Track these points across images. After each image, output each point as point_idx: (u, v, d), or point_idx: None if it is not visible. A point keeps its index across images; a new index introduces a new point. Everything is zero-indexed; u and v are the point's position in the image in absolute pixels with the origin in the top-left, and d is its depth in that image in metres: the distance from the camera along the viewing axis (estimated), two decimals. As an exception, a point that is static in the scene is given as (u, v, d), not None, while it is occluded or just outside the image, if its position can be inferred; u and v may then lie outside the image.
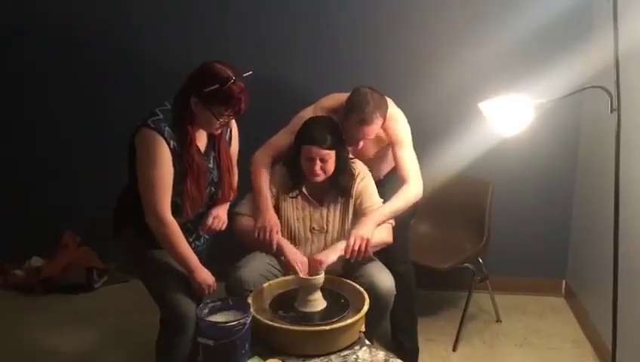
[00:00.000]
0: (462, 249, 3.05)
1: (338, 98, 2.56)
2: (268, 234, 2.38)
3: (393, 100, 2.59)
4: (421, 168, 2.59)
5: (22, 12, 3.40)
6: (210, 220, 2.31)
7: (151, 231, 2.12)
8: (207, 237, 2.37)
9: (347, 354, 2.15)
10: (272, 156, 2.56)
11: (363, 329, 2.24)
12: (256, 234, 2.40)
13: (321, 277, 2.26)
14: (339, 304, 2.30)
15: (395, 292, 2.41)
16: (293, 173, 2.49)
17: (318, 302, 2.28)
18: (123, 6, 3.34)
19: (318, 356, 2.12)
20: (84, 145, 3.52)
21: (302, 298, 2.28)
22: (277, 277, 2.45)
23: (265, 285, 2.37)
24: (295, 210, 2.51)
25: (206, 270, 2.21)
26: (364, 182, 2.52)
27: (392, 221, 2.51)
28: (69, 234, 3.57)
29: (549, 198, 3.41)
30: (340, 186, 2.48)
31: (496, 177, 3.13)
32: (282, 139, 2.56)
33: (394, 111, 2.57)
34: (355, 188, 2.50)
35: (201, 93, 2.03)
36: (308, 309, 2.26)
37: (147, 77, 3.28)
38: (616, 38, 2.04)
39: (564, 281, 3.52)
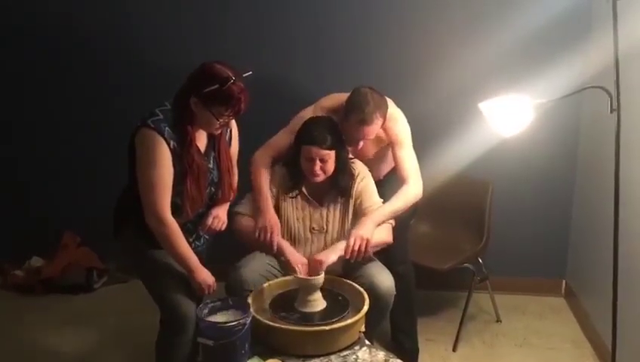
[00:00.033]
0: (462, 249, 3.05)
1: (338, 98, 2.56)
2: (269, 235, 2.39)
3: (393, 100, 2.59)
4: (421, 168, 2.59)
5: (22, 12, 3.40)
6: (210, 220, 2.31)
7: (151, 232, 2.12)
8: (207, 237, 2.37)
9: (347, 355, 2.15)
10: (272, 156, 2.56)
11: (363, 329, 2.24)
12: (256, 234, 2.40)
13: (320, 278, 2.26)
14: (339, 304, 2.30)
15: (395, 293, 2.41)
16: (293, 173, 2.49)
17: (318, 302, 2.28)
18: (123, 6, 3.34)
19: (318, 356, 2.12)
20: (84, 145, 3.52)
21: (302, 298, 2.28)
22: (277, 277, 2.45)
23: (265, 285, 2.37)
24: (295, 210, 2.51)
25: (206, 270, 2.21)
26: (364, 182, 2.52)
27: (392, 221, 2.51)
28: (69, 235, 3.57)
29: (549, 198, 3.41)
30: (339, 186, 2.48)
31: (496, 177, 3.13)
32: (282, 139, 2.56)
33: (394, 111, 2.57)
34: (355, 189, 2.50)
35: (201, 93, 2.03)
36: (308, 309, 2.26)
37: (147, 77, 3.28)
38: (616, 38, 2.04)
39: (563, 281, 3.52)
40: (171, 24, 3.33)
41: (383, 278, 2.40)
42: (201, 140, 2.20)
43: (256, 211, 2.46)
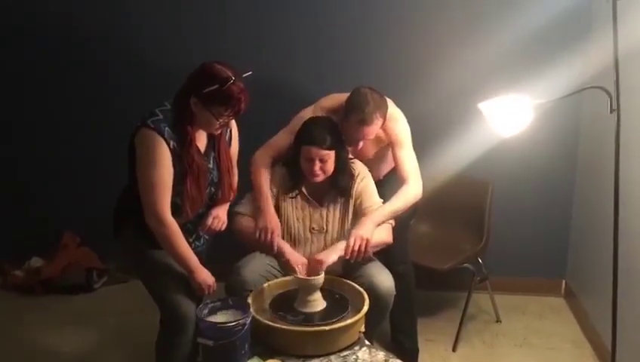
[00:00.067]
0: (461, 249, 3.05)
1: (338, 98, 2.56)
2: (269, 235, 2.39)
3: (393, 100, 2.59)
4: (421, 168, 2.59)
5: (22, 12, 3.40)
6: (209, 220, 2.31)
7: (151, 232, 2.12)
8: (206, 237, 2.37)
9: (347, 355, 2.15)
10: (272, 156, 2.56)
11: (363, 329, 2.24)
12: (257, 235, 2.40)
13: (320, 278, 2.26)
14: (338, 304, 2.30)
15: (395, 293, 2.41)
16: (292, 173, 2.49)
17: (318, 303, 2.28)
18: (123, 6, 3.34)
19: (318, 356, 2.12)
20: (84, 145, 3.52)
21: (301, 298, 2.28)
22: (277, 277, 2.45)
23: (265, 285, 2.37)
24: (295, 210, 2.51)
25: (206, 270, 2.21)
26: (364, 182, 2.52)
27: (392, 221, 2.51)
28: (68, 235, 3.57)
29: (549, 199, 3.41)
30: (339, 186, 2.48)
31: (496, 177, 3.13)
32: (282, 139, 2.56)
33: (394, 111, 2.57)
34: (354, 189, 2.50)
35: (201, 93, 2.03)
36: (308, 309, 2.26)
37: (147, 77, 3.28)
38: (616, 38, 2.04)
39: (563, 281, 3.52)
40: (171, 24, 3.33)
41: (383, 278, 2.40)
42: (201, 140, 2.20)
43: (257, 211, 2.46)
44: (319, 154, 2.36)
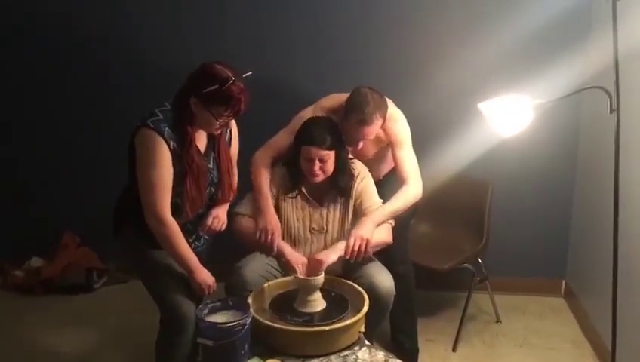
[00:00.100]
0: (461, 249, 3.05)
1: (338, 98, 2.55)
2: (269, 236, 2.38)
3: (393, 100, 2.59)
4: (421, 168, 2.59)
5: (22, 12, 3.40)
6: (209, 221, 2.31)
7: (151, 232, 2.12)
8: (206, 237, 2.37)
9: (347, 355, 2.15)
10: (272, 156, 2.56)
11: (363, 329, 2.25)
12: (257, 236, 2.40)
13: (320, 278, 2.27)
14: (338, 304, 2.30)
15: (395, 293, 2.41)
16: (292, 173, 2.49)
17: (318, 303, 2.28)
18: (123, 6, 3.34)
19: (318, 356, 2.12)
20: (84, 145, 3.52)
21: (301, 298, 2.28)
22: (277, 277, 2.45)
23: (265, 285, 2.37)
24: (295, 210, 2.51)
25: (206, 270, 2.21)
26: (364, 182, 2.52)
27: (392, 221, 2.51)
28: (68, 235, 3.57)
29: (549, 199, 3.41)
30: (339, 186, 2.48)
31: (496, 177, 3.13)
32: (282, 139, 2.56)
33: (394, 111, 2.57)
34: (354, 189, 2.50)
35: (201, 93, 2.03)
36: (307, 310, 2.26)
37: (147, 77, 3.28)
38: (616, 38, 2.04)
39: (563, 282, 3.52)
40: (171, 24, 3.33)
41: (383, 278, 2.40)
42: (201, 140, 2.20)
43: (257, 212, 2.46)
44: (319, 155, 2.36)
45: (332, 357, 2.13)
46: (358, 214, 2.48)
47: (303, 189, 2.50)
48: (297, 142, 2.44)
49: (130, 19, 3.34)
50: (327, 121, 2.45)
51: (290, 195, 2.51)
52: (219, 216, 2.34)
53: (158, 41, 3.33)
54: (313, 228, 2.50)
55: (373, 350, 2.19)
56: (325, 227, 2.51)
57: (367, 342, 2.24)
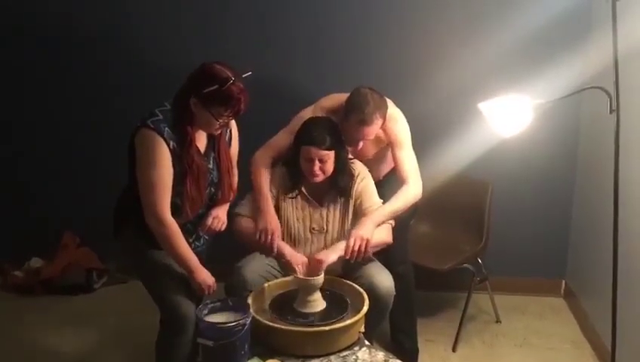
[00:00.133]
0: (461, 249, 3.05)
1: (338, 98, 2.55)
2: (269, 237, 2.38)
3: (393, 100, 2.59)
4: (421, 168, 2.59)
5: (22, 12, 3.40)
6: (209, 221, 2.31)
7: (151, 232, 2.12)
8: (206, 237, 2.37)
9: (347, 355, 2.15)
10: (272, 157, 2.56)
11: (362, 329, 2.25)
12: (257, 236, 2.39)
13: (320, 278, 2.26)
14: (338, 304, 2.30)
15: (395, 293, 2.41)
16: (292, 173, 2.49)
17: (318, 303, 2.28)
18: (123, 6, 3.34)
19: (318, 356, 2.12)
20: (84, 145, 3.52)
21: (301, 298, 2.28)
22: (277, 277, 2.45)
23: (265, 286, 2.37)
24: (295, 210, 2.51)
25: (206, 270, 2.21)
26: (364, 182, 2.52)
27: (392, 221, 2.51)
28: (68, 235, 3.57)
29: (549, 199, 3.41)
30: (339, 187, 2.48)
31: (496, 177, 3.13)
32: (282, 139, 2.56)
33: (393, 111, 2.57)
34: (354, 189, 2.50)
35: (201, 93, 2.03)
36: (307, 310, 2.26)
37: (147, 77, 3.28)
38: (616, 38, 2.04)
39: (563, 282, 3.52)
40: (171, 24, 3.33)
41: (383, 279, 2.40)
42: (201, 141, 2.20)
43: (257, 212, 2.46)
44: (319, 155, 2.36)
45: (332, 357, 2.13)
46: (358, 214, 2.48)
47: (303, 189, 2.50)
48: (297, 142, 2.43)
49: (130, 19, 3.34)
50: (327, 121, 2.45)
51: (290, 195, 2.51)
52: (219, 216, 2.34)
53: (158, 41, 3.33)
54: (313, 228, 2.50)
55: (373, 350, 2.19)
56: (325, 227, 2.51)
57: (367, 342, 2.24)
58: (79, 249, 3.57)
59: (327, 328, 2.14)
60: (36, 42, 3.41)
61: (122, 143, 2.16)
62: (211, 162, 2.24)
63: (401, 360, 2.19)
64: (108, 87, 3.44)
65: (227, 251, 2.32)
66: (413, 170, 2.55)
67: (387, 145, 2.64)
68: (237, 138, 2.38)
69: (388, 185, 2.66)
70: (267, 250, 2.40)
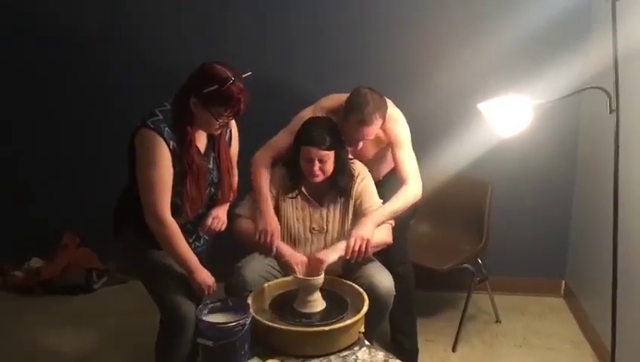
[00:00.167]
0: (461, 249, 3.05)
1: (338, 98, 2.56)
2: (269, 238, 2.38)
3: (393, 100, 2.59)
4: (421, 168, 2.59)
5: (22, 12, 3.40)
6: (209, 221, 2.31)
7: (151, 232, 2.12)
8: (206, 237, 2.37)
9: (346, 355, 2.15)
10: (272, 157, 2.55)
11: (362, 329, 2.25)
12: (257, 237, 2.39)
13: (320, 278, 2.27)
14: (338, 305, 2.30)
15: (395, 293, 2.41)
16: (292, 173, 2.49)
17: (318, 303, 2.28)
18: (123, 6, 3.34)
19: (318, 356, 2.13)
20: (84, 145, 3.52)
21: (301, 298, 2.28)
22: (277, 278, 2.45)
23: (265, 286, 2.37)
24: (295, 210, 2.51)
25: (206, 270, 2.21)
26: (364, 182, 2.52)
27: (392, 221, 2.51)
28: (68, 235, 3.57)
29: (549, 199, 3.41)
30: (339, 187, 2.48)
31: (496, 178, 3.13)
32: (282, 139, 2.56)
33: (393, 111, 2.57)
34: (355, 189, 2.50)
35: (201, 93, 2.03)
36: (307, 310, 2.26)
37: (147, 77, 3.28)
38: (615, 39, 2.04)
39: (563, 282, 3.52)
40: (171, 24, 3.33)
41: (383, 279, 2.40)
42: (201, 141, 2.20)
43: (257, 212, 2.46)
44: (318, 155, 2.36)
45: (332, 358, 2.13)
46: (358, 214, 2.48)
47: (303, 189, 2.50)
48: (297, 142, 2.44)
49: (130, 19, 3.34)
50: (326, 121, 2.45)
51: (290, 195, 2.51)
52: (219, 216, 2.34)
53: (158, 41, 3.33)
54: (313, 228, 2.50)
55: (373, 350, 2.19)
56: (325, 227, 2.51)
57: (366, 343, 2.24)
58: (79, 249, 3.57)
59: (327, 328, 2.14)
60: (36, 42, 3.41)
61: (122, 143, 2.15)
62: (211, 162, 2.24)
63: (401, 360, 2.19)
64: (108, 87, 3.44)
65: (227, 251, 2.32)
66: (413, 170, 2.55)
67: (387, 145, 2.64)
68: (237, 138, 2.38)
69: (388, 185, 2.66)
70: (266, 250, 2.40)
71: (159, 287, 2.23)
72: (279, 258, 2.42)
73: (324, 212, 2.51)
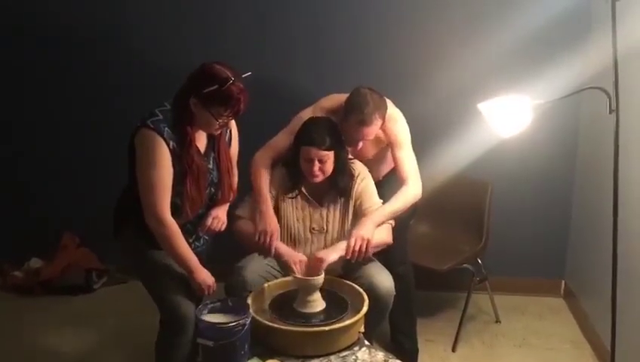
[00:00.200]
0: (461, 250, 3.06)
1: (338, 99, 2.56)
2: (268, 238, 2.38)
3: (393, 101, 2.59)
4: (420, 168, 2.59)
5: (22, 12, 3.40)
6: (209, 221, 2.31)
7: (151, 232, 2.12)
8: (206, 237, 2.37)
9: (346, 355, 2.15)
10: (272, 158, 2.55)
11: (362, 329, 2.25)
12: (256, 237, 2.39)
13: (320, 278, 2.27)
14: (338, 305, 2.30)
15: (395, 293, 2.41)
16: (292, 173, 2.49)
17: (318, 303, 2.28)
18: (123, 6, 3.34)
19: (318, 357, 2.12)
20: (84, 145, 3.52)
21: (301, 298, 2.28)
22: (277, 278, 2.45)
23: (265, 286, 2.37)
24: (295, 210, 2.51)
25: (206, 270, 2.21)
26: (365, 183, 2.52)
27: (392, 221, 2.51)
28: (68, 236, 3.57)
29: (548, 199, 3.41)
30: (338, 187, 2.48)
31: (495, 178, 3.13)
32: (282, 140, 2.56)
33: (393, 112, 2.57)
34: (355, 189, 2.50)
35: (201, 93, 2.04)
36: (307, 310, 2.26)
37: (147, 77, 3.28)
38: (615, 39, 2.04)
39: (563, 282, 3.52)
40: (171, 24, 3.33)
41: (383, 279, 2.40)
42: (201, 141, 2.20)
43: (256, 213, 2.46)
44: (318, 155, 2.36)
45: (332, 358, 2.13)
46: (358, 214, 2.48)
47: (303, 189, 2.50)
48: (297, 142, 2.44)
49: (130, 19, 3.34)
50: (326, 121, 2.45)
51: (290, 195, 2.51)
52: (219, 217, 2.34)
53: (158, 41, 3.34)
54: (313, 228, 2.50)
55: (373, 350, 2.20)
56: (325, 227, 2.51)
57: (366, 343, 2.24)
58: (79, 249, 3.57)
59: (327, 328, 2.14)
60: (36, 42, 3.41)
61: (122, 143, 2.15)
62: (211, 162, 2.24)
63: (400, 360, 2.19)
64: (108, 87, 3.44)
65: (227, 251, 2.32)
66: (413, 170, 2.55)
67: (387, 145, 2.64)
68: (237, 138, 2.38)
69: (388, 185, 2.66)
70: (265, 251, 2.40)
71: (159, 287, 2.23)
72: (278, 258, 2.42)
73: (324, 212, 2.51)
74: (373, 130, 2.45)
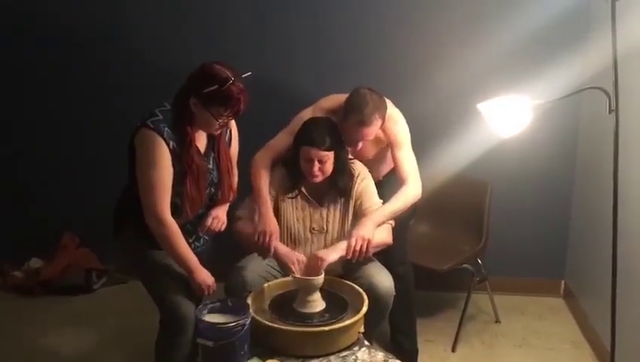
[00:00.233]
0: (461, 250, 3.06)
1: (337, 99, 2.55)
2: (267, 239, 2.38)
3: (393, 101, 2.59)
4: (420, 168, 2.59)
5: (22, 12, 3.40)
6: (209, 221, 2.31)
7: (151, 232, 2.12)
8: (206, 238, 2.37)
9: (346, 355, 2.15)
10: (272, 158, 2.55)
11: (362, 330, 2.25)
12: (256, 238, 2.39)
13: (320, 278, 2.26)
14: (338, 305, 2.30)
15: (394, 293, 2.41)
16: (292, 173, 2.49)
17: (317, 303, 2.28)
18: (123, 6, 3.34)
19: (317, 357, 2.12)
20: (84, 145, 3.52)
21: (301, 299, 2.28)
22: (276, 278, 2.45)
23: (264, 286, 2.37)
24: (295, 210, 2.51)
25: (206, 271, 2.21)
26: (365, 183, 2.52)
27: (392, 222, 2.51)
28: (68, 236, 3.57)
29: (548, 199, 3.41)
30: (338, 187, 2.48)
31: (495, 178, 3.13)
32: (282, 140, 2.56)
33: (393, 112, 2.57)
34: (355, 189, 2.50)
35: (201, 93, 2.04)
36: (307, 310, 2.26)
37: (147, 77, 3.28)
38: (615, 39, 2.04)
39: (563, 282, 3.52)
40: (171, 24, 3.33)
41: (382, 279, 2.40)
42: (201, 141, 2.20)
43: (256, 214, 2.46)
44: (318, 155, 2.36)
45: (331, 358, 2.13)
46: (358, 215, 2.48)
47: (303, 189, 2.50)
48: (297, 142, 2.44)
49: (130, 19, 3.34)
50: (326, 121, 2.45)
51: (290, 196, 2.51)
52: (218, 217, 2.34)
53: (158, 41, 3.34)
54: (313, 229, 2.50)
55: (373, 350, 2.19)
56: (325, 227, 2.51)
57: (366, 343, 2.24)
58: (79, 249, 3.57)
59: (326, 328, 2.14)
60: (36, 42, 3.41)
61: (122, 143, 2.16)
62: (211, 162, 2.24)
63: (400, 360, 2.19)
64: (108, 87, 3.44)
65: (227, 251, 2.32)
66: (413, 170, 2.55)
67: (387, 145, 2.64)
68: (237, 138, 2.38)
69: (388, 185, 2.66)
70: (265, 251, 2.40)
71: (159, 287, 2.23)
72: (277, 258, 2.42)
73: (324, 212, 2.51)
74: (373, 130, 2.45)
